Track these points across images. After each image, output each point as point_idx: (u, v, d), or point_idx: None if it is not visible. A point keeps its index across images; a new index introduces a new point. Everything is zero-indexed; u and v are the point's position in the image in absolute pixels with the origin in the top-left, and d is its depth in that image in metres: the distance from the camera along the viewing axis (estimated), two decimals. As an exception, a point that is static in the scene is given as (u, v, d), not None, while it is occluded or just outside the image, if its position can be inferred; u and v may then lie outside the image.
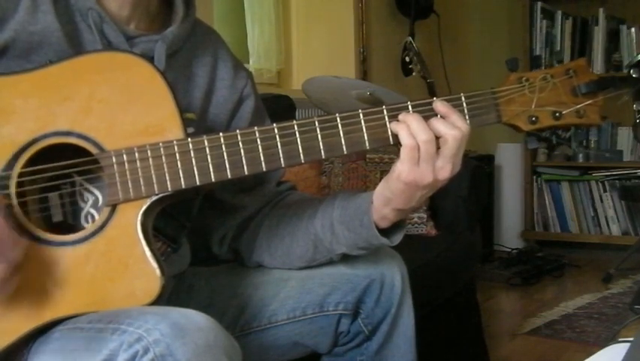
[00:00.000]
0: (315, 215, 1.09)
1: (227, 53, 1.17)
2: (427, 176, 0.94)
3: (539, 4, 4.05)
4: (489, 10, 4.33)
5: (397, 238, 1.05)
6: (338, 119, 0.95)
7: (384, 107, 0.96)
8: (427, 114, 0.96)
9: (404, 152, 0.94)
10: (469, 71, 4.22)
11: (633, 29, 3.93)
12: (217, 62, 1.14)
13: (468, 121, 0.97)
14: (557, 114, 0.99)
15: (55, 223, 0.94)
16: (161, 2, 1.08)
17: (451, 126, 0.94)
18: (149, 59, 0.99)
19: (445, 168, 0.95)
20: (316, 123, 0.94)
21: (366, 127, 0.96)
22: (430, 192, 0.98)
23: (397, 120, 0.95)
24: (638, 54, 3.78)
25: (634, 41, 3.92)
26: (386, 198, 0.99)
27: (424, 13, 3.55)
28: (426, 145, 0.93)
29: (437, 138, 0.94)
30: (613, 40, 4.00)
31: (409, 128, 0.94)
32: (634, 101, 1.12)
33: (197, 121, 1.08)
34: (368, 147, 0.97)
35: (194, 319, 0.83)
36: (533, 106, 0.99)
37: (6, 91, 0.90)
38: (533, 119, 0.99)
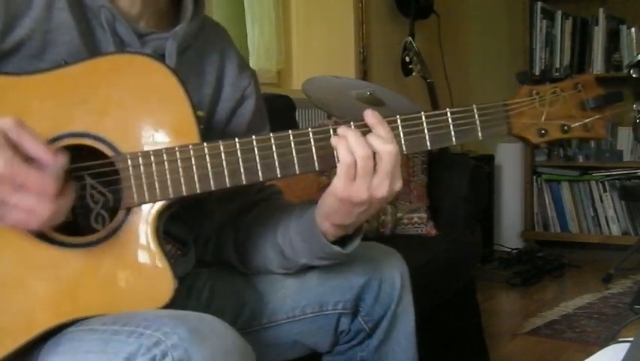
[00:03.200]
0: (277, 227, 1.08)
1: (233, 50, 1.18)
2: (362, 193, 0.93)
3: (539, 4, 4.05)
4: (489, 10, 4.33)
5: (351, 247, 1.03)
6: (352, 126, 0.95)
7: (398, 116, 0.96)
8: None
9: (341, 168, 0.93)
10: (469, 71, 4.22)
11: (633, 29, 3.93)
12: (224, 60, 1.15)
13: (480, 133, 0.99)
14: (566, 128, 1.01)
15: (64, 223, 0.94)
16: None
17: (384, 141, 0.93)
18: (161, 57, 1.00)
19: (381, 186, 0.93)
20: (331, 131, 0.95)
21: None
22: (369, 209, 0.96)
23: (337, 135, 0.94)
24: (638, 54, 3.78)
25: (634, 41, 3.92)
26: (324, 213, 0.98)
27: (424, 13, 3.55)
28: (363, 161, 0.92)
29: (374, 154, 0.93)
30: (613, 40, 4.00)
31: (348, 144, 0.93)
32: (634, 101, 1.13)
33: (206, 118, 1.08)
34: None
35: (211, 324, 0.83)
36: (543, 119, 1.01)
37: (23, 91, 0.90)
38: (542, 132, 1.01)
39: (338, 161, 0.94)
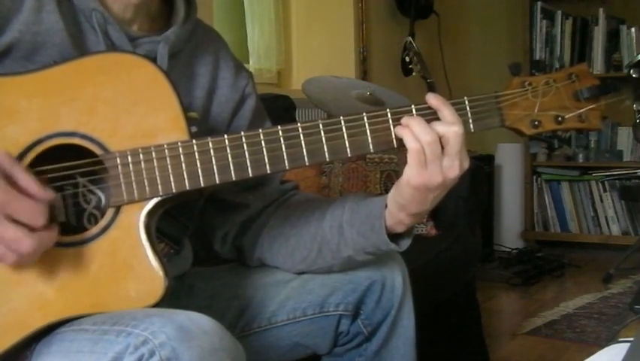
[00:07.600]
0: (324, 217, 1.08)
1: (228, 52, 1.18)
2: (436, 177, 0.94)
3: (539, 4, 4.05)
4: (489, 10, 4.33)
5: (405, 244, 1.04)
6: (342, 122, 0.95)
7: (388, 110, 0.96)
8: (430, 118, 0.96)
9: (411, 156, 0.94)
10: (469, 71, 4.22)
11: (633, 29, 3.93)
12: (219, 62, 1.15)
13: (472, 125, 0.98)
14: (560, 118, 1.00)
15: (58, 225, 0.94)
16: (162, 3, 1.08)
17: (449, 124, 0.95)
18: (153, 59, 0.99)
19: (453, 166, 0.95)
20: (320, 126, 0.94)
21: (370, 130, 0.96)
22: (442, 192, 0.97)
23: (400, 125, 0.96)
24: (638, 54, 3.78)
25: (634, 41, 3.92)
26: (399, 204, 0.99)
27: (424, 13, 3.55)
28: (430, 146, 0.93)
29: (440, 138, 0.94)
30: (613, 40, 4.00)
31: (412, 132, 0.94)
32: (634, 101, 1.12)
33: (200, 120, 1.08)
34: (372, 151, 0.97)
35: (199, 322, 0.83)
36: (536, 110, 1.00)
37: (10, 91, 0.89)
38: (536, 123, 1.00)
39: (404, 148, 0.94)
